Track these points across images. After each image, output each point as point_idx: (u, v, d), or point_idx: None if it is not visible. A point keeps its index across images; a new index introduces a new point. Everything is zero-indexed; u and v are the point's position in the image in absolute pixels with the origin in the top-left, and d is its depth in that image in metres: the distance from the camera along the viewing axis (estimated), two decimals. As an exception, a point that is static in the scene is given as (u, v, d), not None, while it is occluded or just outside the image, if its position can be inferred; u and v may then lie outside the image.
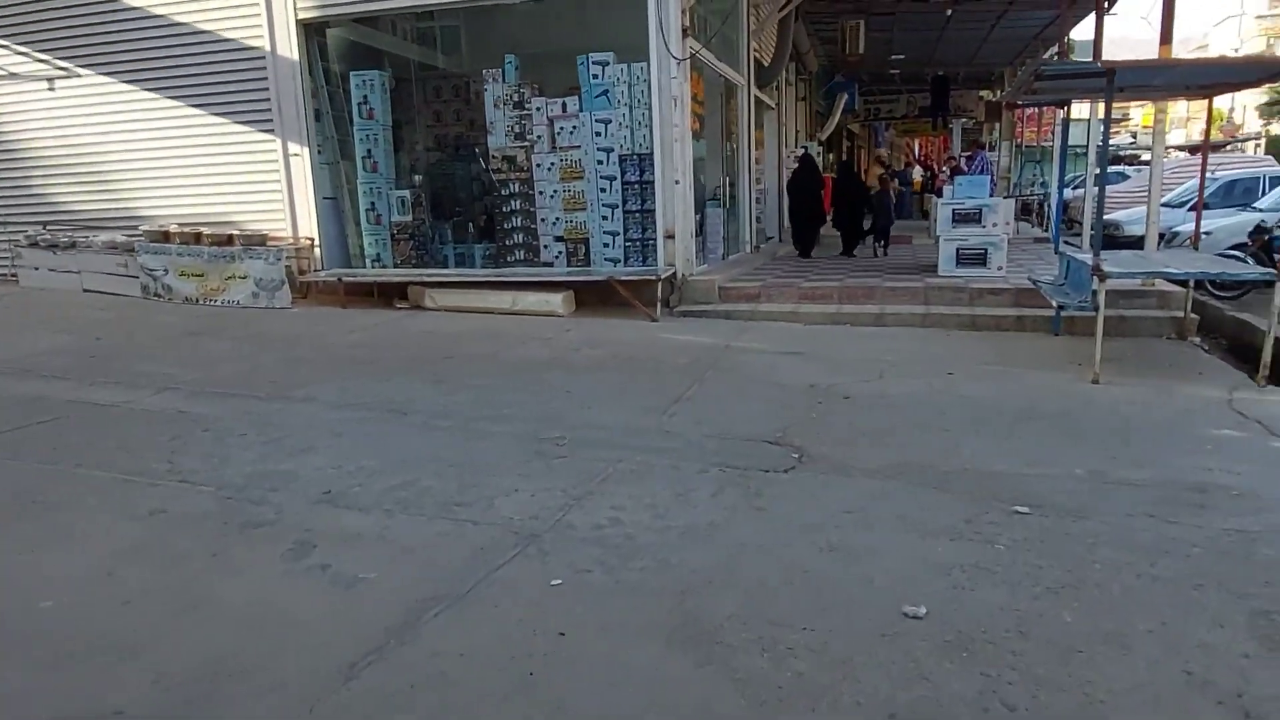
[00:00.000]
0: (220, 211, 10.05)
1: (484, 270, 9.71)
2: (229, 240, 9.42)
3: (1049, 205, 14.41)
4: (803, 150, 17.31)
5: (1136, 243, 13.85)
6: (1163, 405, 5.42)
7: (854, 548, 3.36)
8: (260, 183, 9.99)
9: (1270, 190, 13.68)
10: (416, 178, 10.44)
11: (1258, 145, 42.55)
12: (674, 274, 9.04)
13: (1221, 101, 67.87)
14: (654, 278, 8.51)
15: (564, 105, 9.24)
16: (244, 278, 9.25)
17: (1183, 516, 3.66)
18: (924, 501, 3.86)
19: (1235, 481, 4.10)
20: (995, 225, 9.16)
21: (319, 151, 10.05)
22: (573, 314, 8.96)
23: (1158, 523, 3.60)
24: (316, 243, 10.04)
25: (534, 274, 9.15)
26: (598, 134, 9.16)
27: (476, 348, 7.28)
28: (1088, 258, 6.47)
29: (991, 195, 9.93)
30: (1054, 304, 6.31)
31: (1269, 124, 57.83)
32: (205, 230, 9.55)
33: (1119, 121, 51.67)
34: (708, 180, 11.95)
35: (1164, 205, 14.62)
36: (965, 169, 13.28)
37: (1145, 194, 16.68)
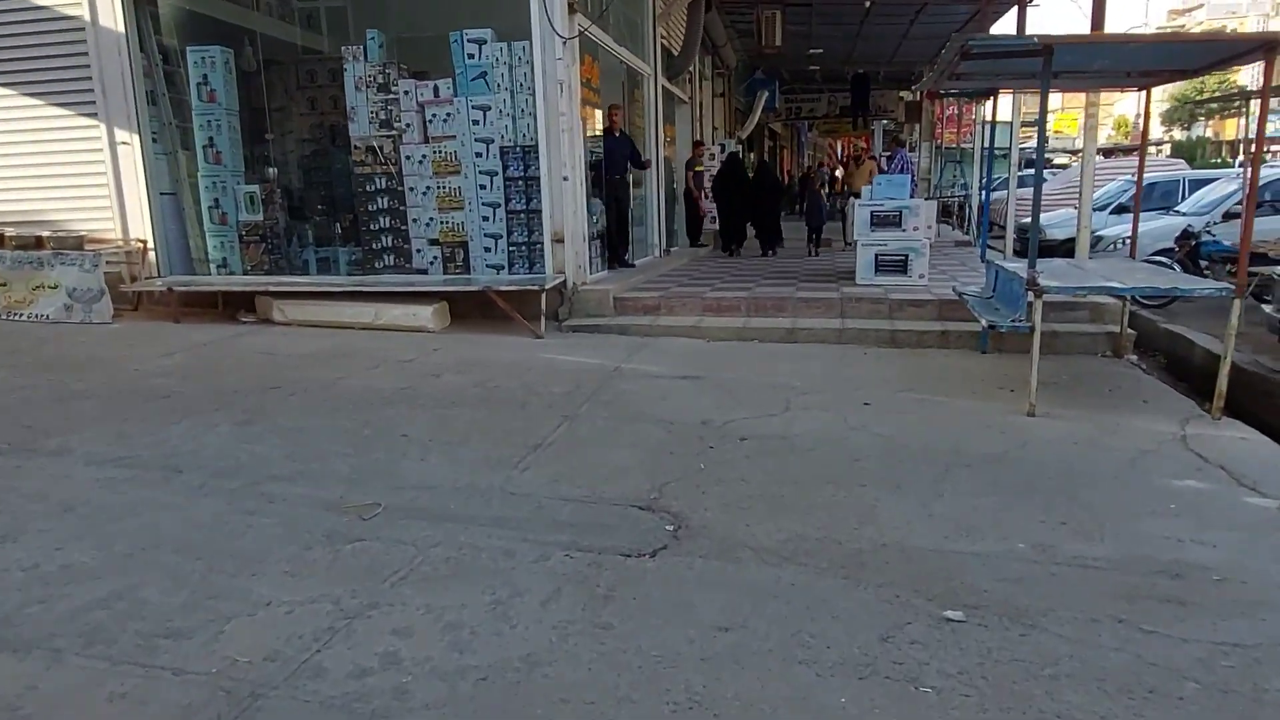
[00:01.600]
0: (35, 209, 8.57)
1: (338, 278, 8.47)
2: (38, 243, 7.97)
3: (970, 207, 13.83)
4: (723, 148, 16.57)
5: (1062, 249, 13.41)
6: (1110, 446, 4.60)
7: (723, 701, 2.35)
8: (82, 175, 8.55)
9: (1190, 194, 13.36)
10: (270, 171, 9.13)
11: (1159, 150, 43.78)
12: (563, 283, 7.98)
13: (1124, 107, 70.21)
14: (538, 288, 7.43)
15: (436, 89, 8.08)
16: (54, 287, 7.82)
17: (1161, 622, 2.77)
18: (828, 604, 2.88)
19: (1213, 558, 3.24)
20: (917, 229, 8.37)
21: (154, 139, 8.66)
22: (446, 329, 7.81)
23: (1131, 632, 2.70)
24: (150, 245, 8.65)
25: (398, 283, 7.96)
26: (475, 122, 8.03)
27: (315, 374, 6.08)
28: (1019, 268, 5.66)
29: (913, 196, 9.14)
30: (982, 320, 5.47)
31: (1170, 130, 59.97)
32: (10, 231, 8.07)
33: (1032, 125, 52.83)
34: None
35: (1097, 210, 14.23)
36: (885, 168, 12.54)
37: (1067, 197, 16.32)
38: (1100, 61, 5.20)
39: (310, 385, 5.75)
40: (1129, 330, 6.79)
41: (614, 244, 9.83)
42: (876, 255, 8.45)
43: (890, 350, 6.97)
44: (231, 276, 8.65)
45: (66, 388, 5.60)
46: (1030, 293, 5.00)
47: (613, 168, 9.57)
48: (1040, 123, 4.97)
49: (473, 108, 8.00)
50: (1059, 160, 40.44)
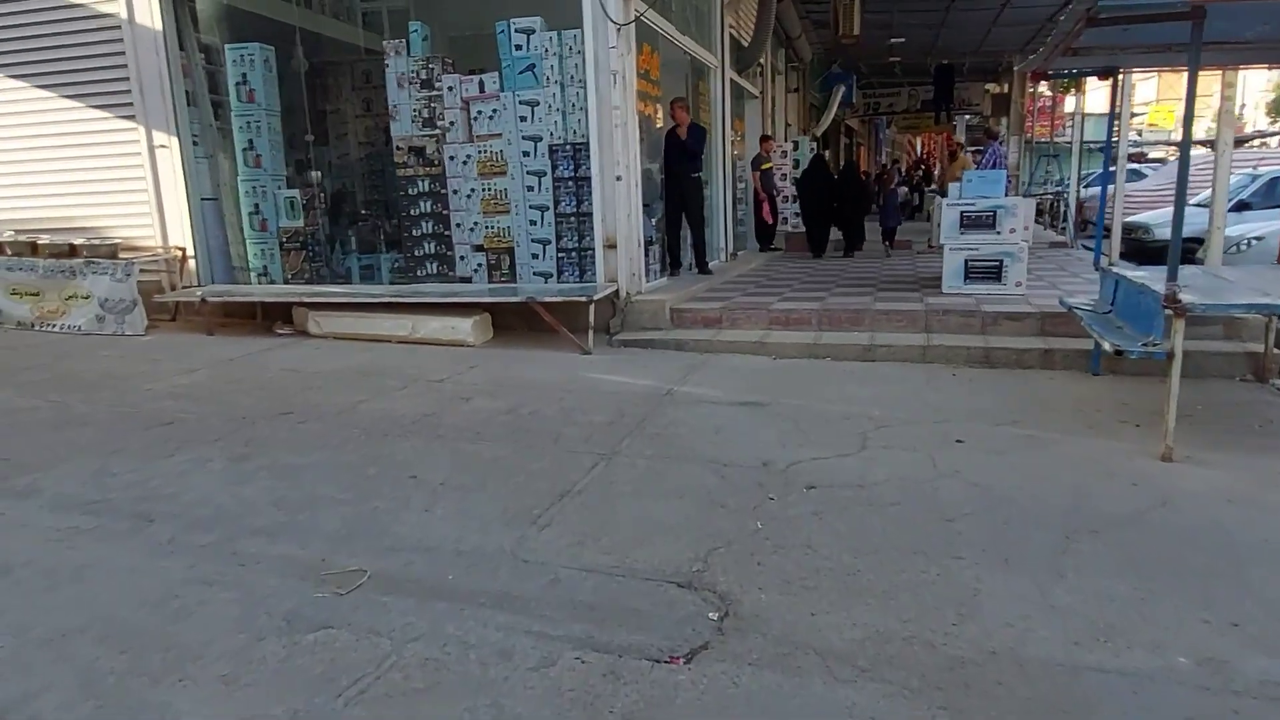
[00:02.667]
0: (71, 215, 8.33)
1: (374, 288, 7.95)
2: (71, 251, 7.69)
3: (1068, 205, 12.62)
4: (795, 145, 15.74)
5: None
6: (1277, 506, 3.67)
7: None
8: (120, 180, 8.28)
9: (1321, 189, 11.91)
10: (315, 174, 8.70)
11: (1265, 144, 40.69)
12: (615, 293, 7.30)
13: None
14: (585, 299, 6.75)
15: (481, 84, 7.50)
16: (86, 298, 7.52)
17: None
18: (921, 754, 2.11)
19: None
20: (1014, 231, 7.41)
21: (195, 142, 8.32)
22: (487, 343, 7.22)
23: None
24: (191, 253, 8.31)
25: (437, 294, 7.39)
26: (523, 119, 7.42)
27: (335, 396, 5.53)
28: (1147, 279, 4.72)
29: (1008, 193, 8.16)
30: (1105, 344, 4.56)
31: (1276, 121, 55.90)
32: (43, 239, 7.81)
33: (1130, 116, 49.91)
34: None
35: (1195, 205, 12.88)
36: (975, 163, 11.48)
37: (1170, 194, 14.90)
38: (1260, 27, 4.24)
39: (326, 410, 5.19)
40: (1275, 350, 5.74)
41: (675, 249, 9.11)
42: (966, 261, 7.52)
43: (983, 371, 6.07)
44: (266, 286, 8.25)
45: (68, 411, 5.17)
46: (1169, 311, 4.08)
47: (684, 165, 8.84)
48: (1188, 104, 4.03)
49: (520, 103, 7.39)
50: (1154, 154, 37.98)
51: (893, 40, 16.33)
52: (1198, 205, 12.62)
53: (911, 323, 6.71)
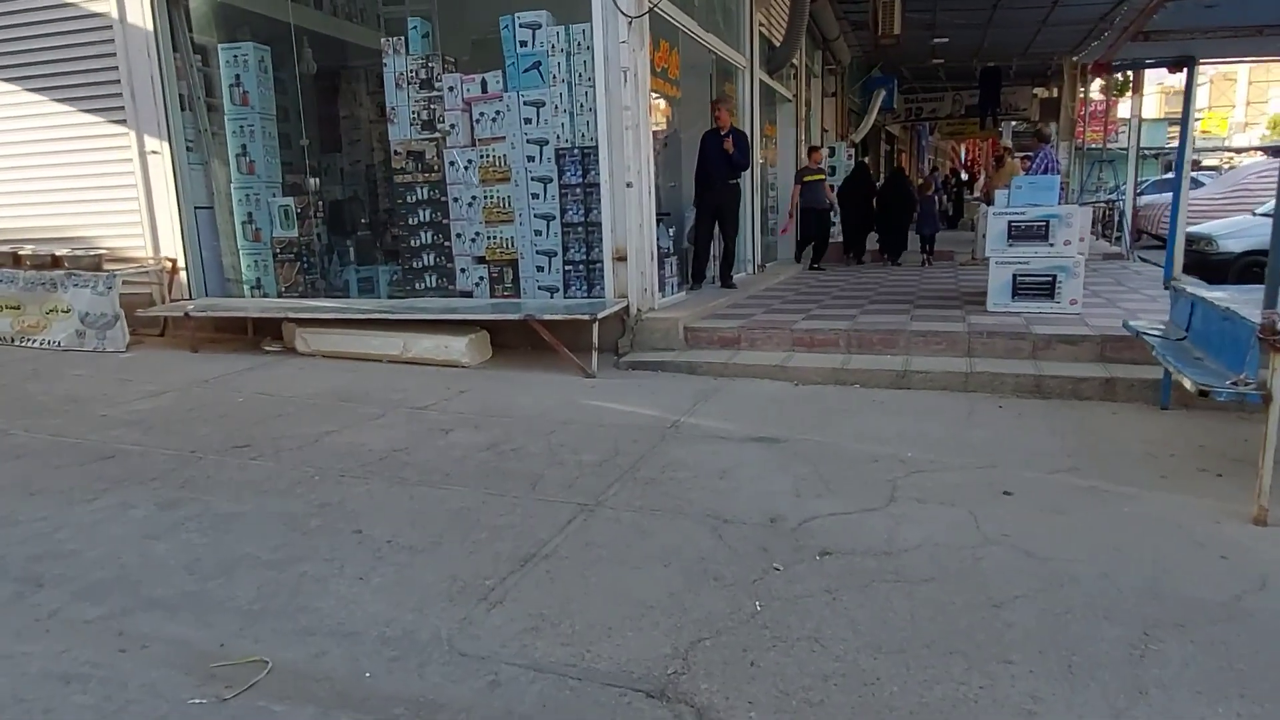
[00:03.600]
0: (59, 224, 7.96)
1: (365, 303, 7.43)
2: (54, 262, 7.29)
3: (1124, 215, 11.75)
4: (832, 151, 15.09)
5: (1237, 264, 11.18)
6: None
7: None
8: (110, 187, 7.89)
9: None
10: (313, 181, 8.24)
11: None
12: (625, 309, 6.69)
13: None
14: (588, 317, 6.15)
15: (484, 83, 6.96)
16: (66, 311, 7.11)
17: None
18: None
19: None
20: (1069, 243, 6.66)
21: (188, 148, 7.91)
22: (484, 363, 6.65)
23: None
24: (182, 264, 7.88)
25: (429, 310, 6.83)
26: (528, 121, 6.86)
27: (302, 426, 5.00)
28: (1228, 300, 3.99)
29: (1061, 201, 7.41)
30: (1186, 381, 3.83)
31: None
32: (26, 250, 7.43)
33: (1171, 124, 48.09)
34: (689, 185, 9.58)
35: (1263, 214, 11.93)
36: (1026, 169, 10.65)
37: (1234, 201, 13.91)
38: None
39: (286, 444, 4.65)
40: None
41: (702, 261, 8.49)
42: (1015, 275, 6.78)
43: (1035, 403, 5.34)
44: (252, 300, 7.79)
45: (5, 440, 4.70)
46: (1266, 344, 3.35)
47: (723, 171, 8.23)
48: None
49: (525, 104, 6.83)
50: (1208, 162, 36.38)
51: (936, 40, 15.55)
52: (1267, 215, 11.69)
53: (952, 345, 6.00)
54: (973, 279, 9.84)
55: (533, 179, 6.92)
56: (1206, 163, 35.55)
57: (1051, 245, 6.67)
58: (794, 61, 12.56)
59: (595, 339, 6.17)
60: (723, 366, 6.13)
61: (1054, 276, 6.66)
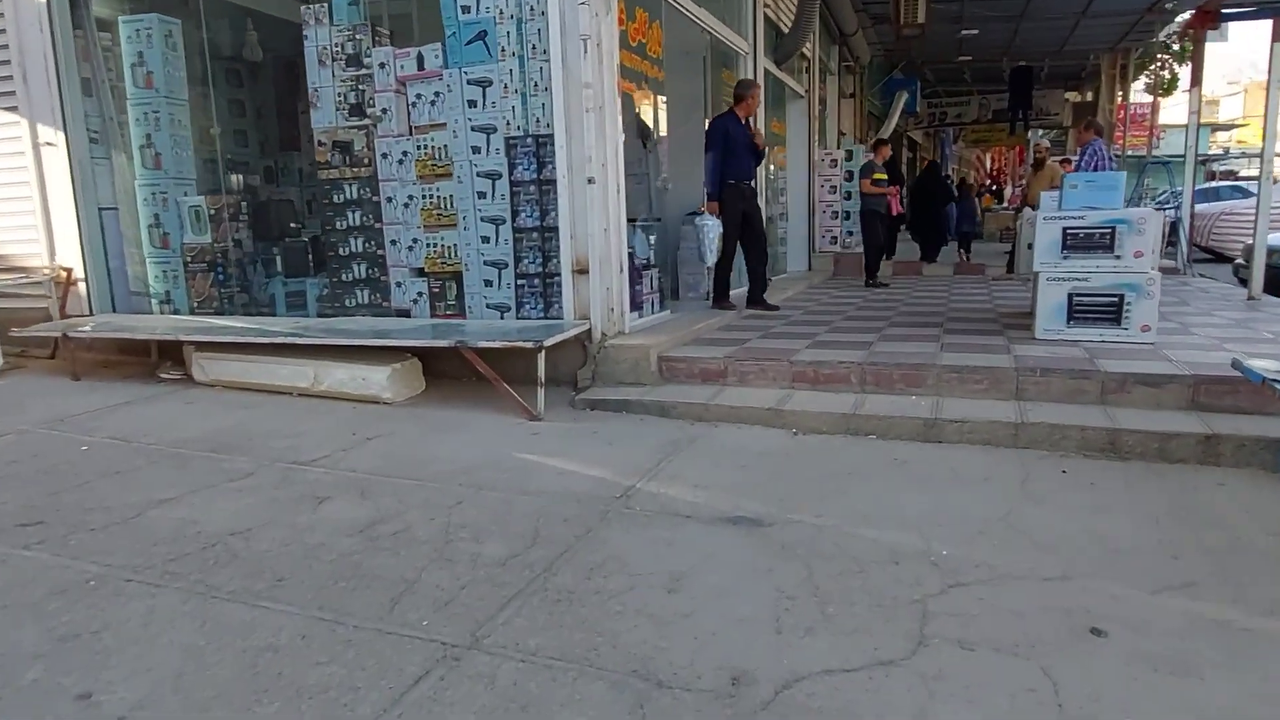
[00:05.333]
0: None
1: (274, 324, 6.14)
2: (-82, 272, 6.16)
3: (1181, 226, 10.37)
4: (849, 155, 13.82)
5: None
6: None
7: None
8: (1, 184, 6.75)
9: None
10: (235, 178, 7.07)
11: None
12: (587, 333, 5.45)
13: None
14: (533, 345, 4.90)
15: (420, 59, 5.76)
16: (-77, 331, 5.96)
17: None
18: None
19: None
20: (1141, 255, 5.34)
21: (93, 139, 6.77)
22: (414, 399, 5.43)
23: None
24: (80, 274, 6.73)
25: (342, 332, 5.60)
26: (472, 104, 5.65)
27: (132, 492, 3.78)
28: None
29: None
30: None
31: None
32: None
33: (1227, 129, 46.39)
34: (682, 185, 8.38)
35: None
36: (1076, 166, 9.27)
37: (1259, 212, 12.43)
38: None
39: (94, 520, 3.43)
40: None
41: (720, 278, 7.25)
42: (1071, 296, 5.47)
43: (1110, 465, 4.03)
44: (147, 319, 6.63)
45: None
46: None
47: (747, 167, 7.04)
48: None
49: (469, 83, 5.62)
50: (1245, 172, 34.66)
51: (964, 33, 14.24)
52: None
53: (995, 385, 4.69)
54: (1010, 297, 8.53)
55: (479, 174, 5.70)
56: (1244, 173, 33.90)
57: (1118, 258, 5.36)
58: (805, 53, 11.32)
59: (541, 372, 4.92)
60: (702, 409, 4.85)
61: (1121, 296, 5.35)
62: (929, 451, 4.27)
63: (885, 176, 10.32)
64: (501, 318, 5.82)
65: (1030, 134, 26.38)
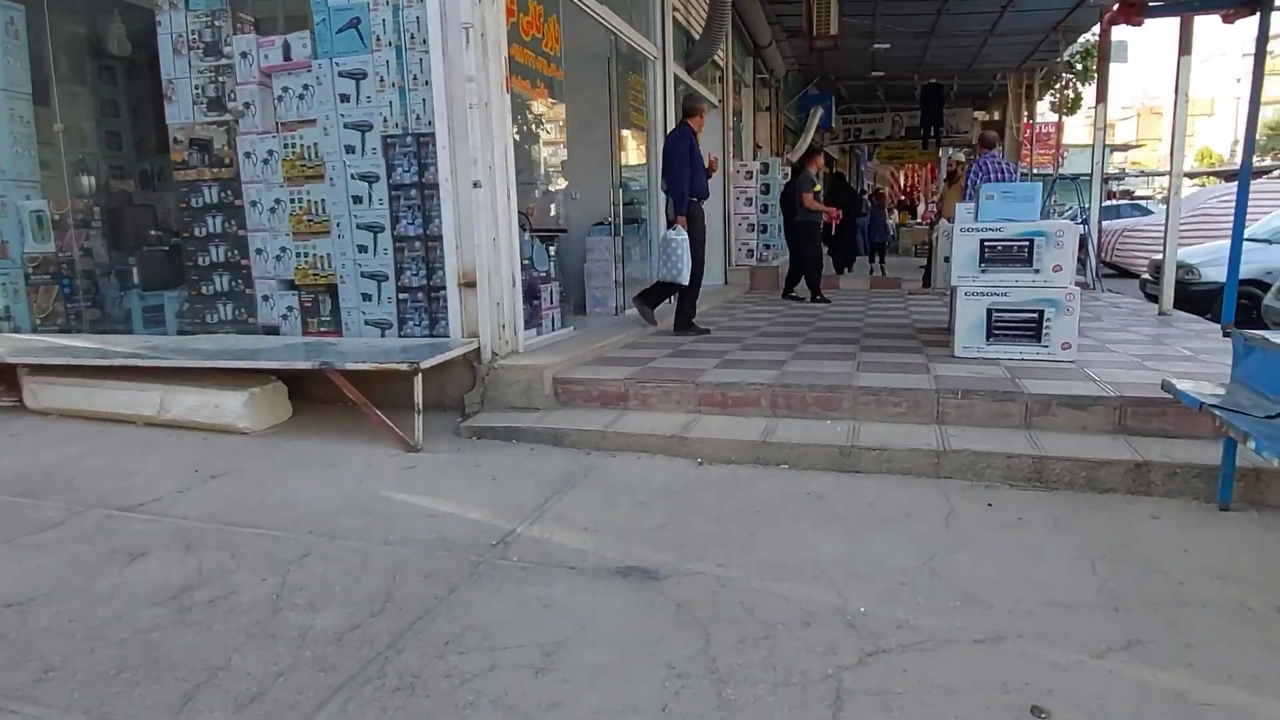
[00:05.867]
0: None
1: (118, 343, 5.40)
2: None
3: (1090, 242, 10.43)
4: (766, 167, 13.65)
5: (1222, 295, 9.92)
6: None
7: None
8: None
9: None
10: (86, 180, 6.31)
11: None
12: (476, 352, 4.92)
13: (1205, 138, 65.36)
14: (408, 367, 4.34)
15: (286, 48, 5.16)
16: None
17: None
18: None
19: None
20: (1060, 269, 5.11)
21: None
22: (277, 427, 4.80)
23: None
24: (-107, 287, 5.85)
25: (191, 352, 4.93)
26: (345, 98, 5.08)
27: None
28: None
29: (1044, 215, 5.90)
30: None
31: (1263, 159, 54.81)
32: None
33: (1125, 149, 48.58)
34: (590, 194, 7.95)
35: (1249, 240, 10.74)
36: (968, 182, 9.11)
37: (1191, 229, 12.75)
38: None
39: None
40: None
41: (693, 298, 6.74)
42: (990, 311, 5.20)
43: (1037, 497, 3.71)
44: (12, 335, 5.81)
45: None
46: None
47: (701, 186, 6.63)
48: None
49: (340, 75, 5.05)
50: (1141, 192, 36.27)
51: (876, 46, 14.24)
52: (1253, 240, 10.45)
53: (915, 408, 4.36)
54: (927, 312, 8.34)
55: (354, 176, 5.13)
56: (1140, 193, 35.45)
57: (1037, 272, 5.12)
58: (718, 62, 11.06)
59: (419, 397, 4.37)
60: (600, 436, 4.38)
61: (1041, 312, 5.11)
62: (845, 483, 3.89)
63: (820, 189, 10.03)
64: (382, 335, 5.25)
65: (942, 151, 26.95)
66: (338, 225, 5.20)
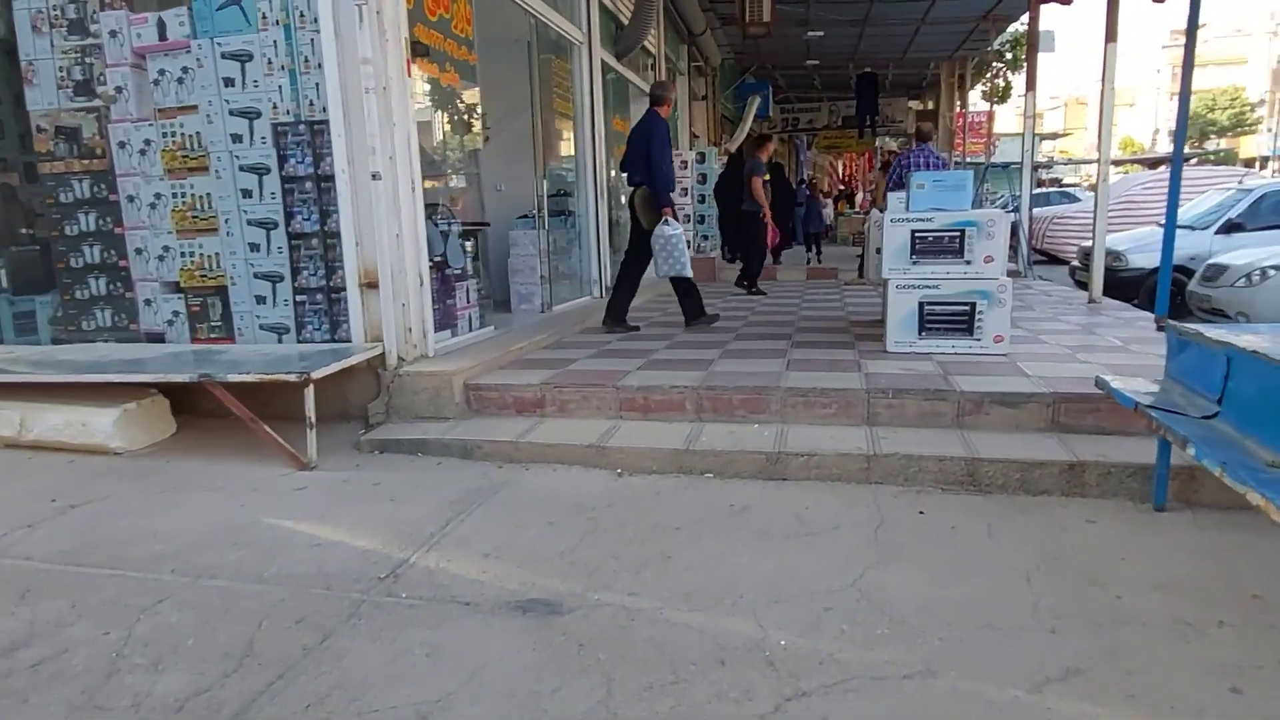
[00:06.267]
0: None
1: None
2: None
3: (1021, 230, 10.42)
4: (702, 157, 13.44)
5: (1149, 281, 10.00)
6: None
7: None
8: None
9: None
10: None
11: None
12: (381, 358, 4.56)
13: (1128, 127, 67.55)
14: (297, 378, 3.97)
15: (161, 26, 4.70)
16: None
17: None
18: None
19: None
20: (991, 260, 4.95)
21: None
22: (157, 445, 4.38)
23: None
24: None
25: (56, 365, 4.47)
26: (229, 82, 4.65)
27: None
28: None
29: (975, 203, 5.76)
30: (1263, 502, 2.03)
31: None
32: None
33: (1052, 138, 49.69)
34: (517, 187, 7.61)
35: (1181, 227, 10.87)
36: (899, 171, 8.95)
37: (1126, 213, 12.91)
38: None
39: None
40: None
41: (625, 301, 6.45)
42: (922, 305, 5.02)
43: (970, 502, 3.51)
44: None
45: None
46: None
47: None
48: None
49: (224, 57, 4.62)
50: (1068, 180, 37.14)
51: (810, 34, 14.09)
52: (1185, 227, 10.57)
53: (845, 409, 4.14)
54: (862, 303, 8.20)
55: (242, 168, 4.70)
56: (1068, 181, 36.26)
57: (969, 263, 4.95)
58: (649, 47, 10.75)
59: (310, 410, 3.99)
60: (513, 448, 4.06)
61: (973, 305, 4.94)
62: (772, 493, 3.64)
63: (769, 177, 9.83)
64: (279, 340, 4.84)
65: (878, 141, 27.10)
66: (226, 222, 4.78)
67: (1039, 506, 3.46)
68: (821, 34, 14.08)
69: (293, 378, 3.90)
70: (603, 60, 8.64)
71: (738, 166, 13.56)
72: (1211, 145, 55.69)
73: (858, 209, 25.20)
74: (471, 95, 6.53)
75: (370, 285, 4.56)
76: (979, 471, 3.61)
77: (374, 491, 3.74)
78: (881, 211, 7.20)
